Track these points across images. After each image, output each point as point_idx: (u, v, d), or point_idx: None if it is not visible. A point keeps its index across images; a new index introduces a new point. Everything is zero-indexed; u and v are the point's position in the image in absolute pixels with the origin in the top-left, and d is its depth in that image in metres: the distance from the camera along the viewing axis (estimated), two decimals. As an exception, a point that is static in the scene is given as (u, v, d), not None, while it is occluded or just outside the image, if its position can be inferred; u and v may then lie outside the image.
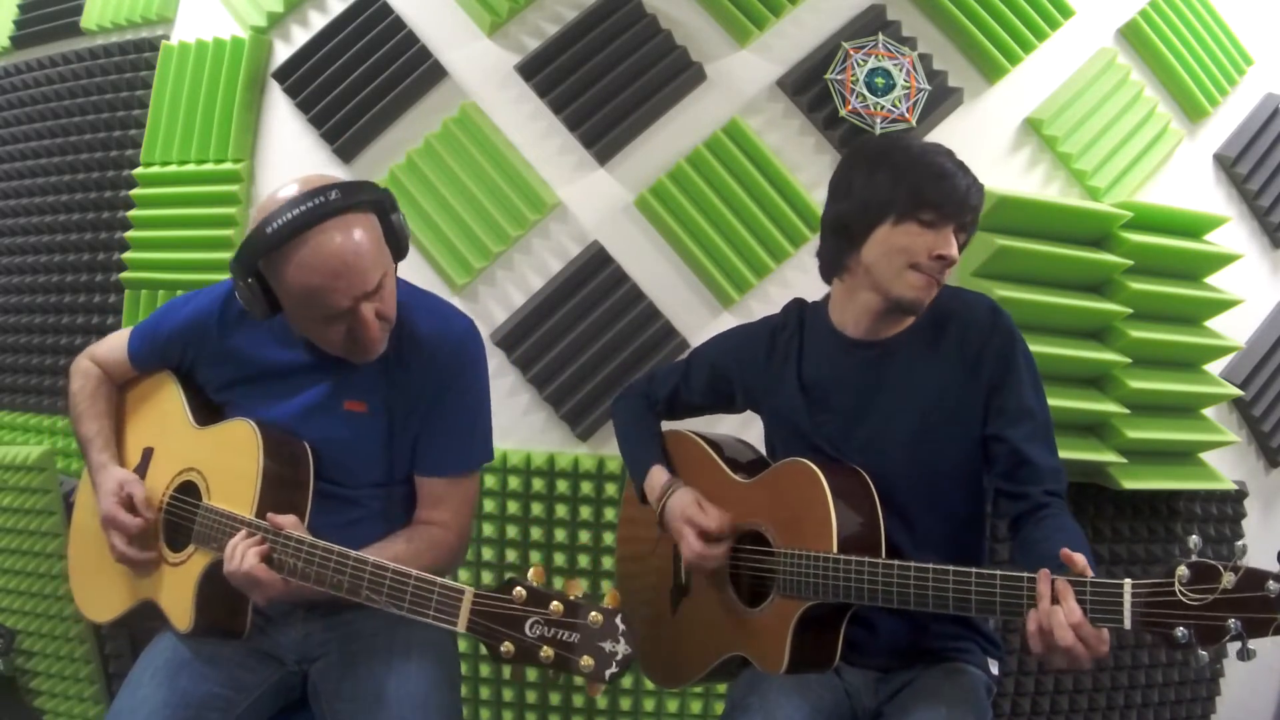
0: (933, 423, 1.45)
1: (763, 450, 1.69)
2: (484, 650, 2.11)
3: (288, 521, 1.33)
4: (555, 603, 1.13)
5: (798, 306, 1.64)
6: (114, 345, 1.65)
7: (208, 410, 1.57)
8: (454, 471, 1.56)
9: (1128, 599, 1.09)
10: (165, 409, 1.59)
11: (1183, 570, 1.05)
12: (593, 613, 1.12)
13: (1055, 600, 1.14)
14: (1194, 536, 1.08)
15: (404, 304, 1.52)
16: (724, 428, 1.82)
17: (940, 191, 1.39)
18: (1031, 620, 1.15)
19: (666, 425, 1.74)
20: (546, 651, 1.12)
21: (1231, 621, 1.02)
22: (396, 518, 1.55)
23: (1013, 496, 1.42)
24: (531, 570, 1.16)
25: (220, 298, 1.54)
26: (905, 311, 1.47)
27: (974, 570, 1.22)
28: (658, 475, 1.62)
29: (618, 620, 1.11)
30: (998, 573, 1.20)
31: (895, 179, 1.41)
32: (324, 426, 1.49)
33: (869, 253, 1.43)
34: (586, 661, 1.11)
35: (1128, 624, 1.09)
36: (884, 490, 1.42)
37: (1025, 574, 1.18)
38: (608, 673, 1.11)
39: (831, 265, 1.52)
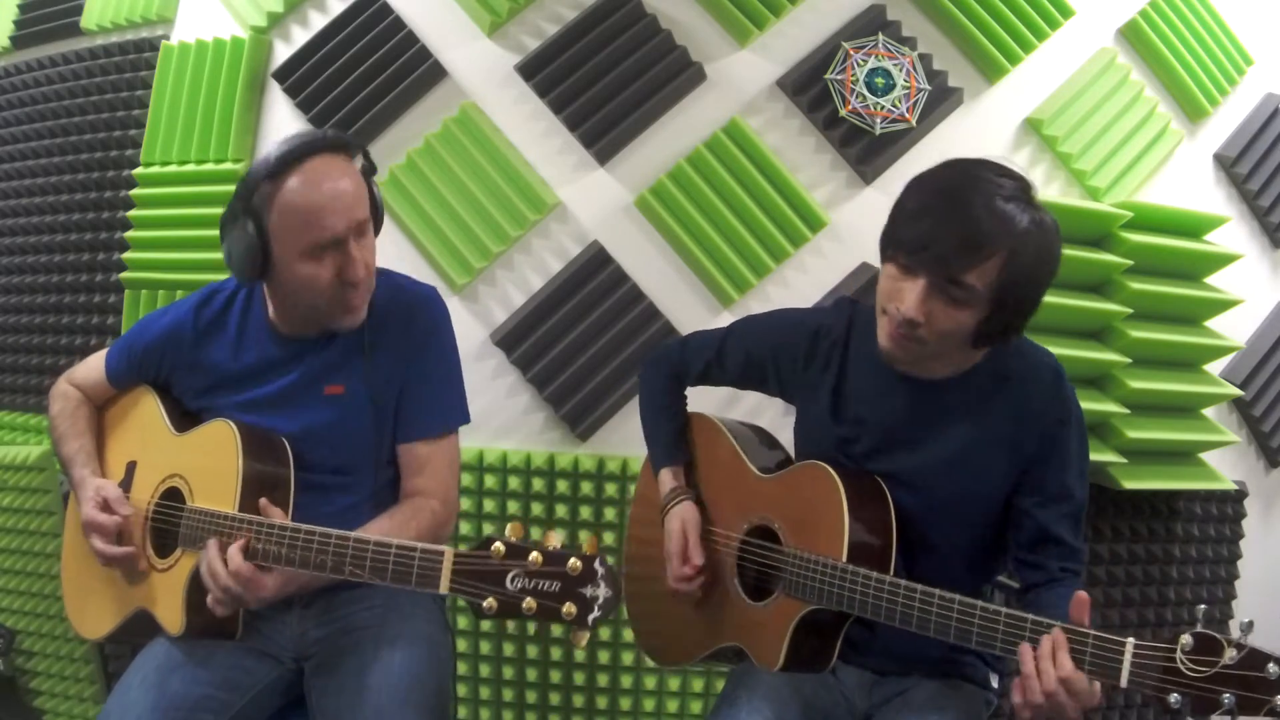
0: (968, 476, 1.39)
1: (786, 440, 1.68)
2: (484, 626, 2.14)
3: (275, 513, 1.35)
4: (534, 554, 1.14)
5: (849, 310, 1.52)
6: (91, 367, 1.69)
7: (186, 417, 1.59)
8: (433, 432, 1.58)
9: (1128, 658, 1.08)
10: (145, 421, 1.62)
11: (1186, 639, 1.05)
12: (571, 559, 1.13)
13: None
14: (1203, 606, 1.07)
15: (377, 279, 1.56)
16: (742, 407, 1.79)
17: (911, 234, 1.25)
18: (1026, 662, 1.14)
19: (693, 404, 1.73)
20: (529, 603, 1.13)
21: (1226, 697, 1.02)
22: (388, 501, 1.56)
23: (1030, 565, 1.39)
24: (509, 526, 1.17)
25: (193, 307, 1.59)
26: (886, 361, 1.37)
27: (979, 604, 1.21)
28: (667, 479, 1.62)
29: (596, 564, 1.13)
30: (1002, 610, 1.19)
31: (898, 202, 1.33)
32: (306, 414, 1.52)
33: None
34: (569, 609, 1.12)
35: (1124, 682, 1.09)
36: (907, 519, 1.39)
37: (1030, 616, 1.16)
38: (590, 617, 1.12)
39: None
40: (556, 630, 1.20)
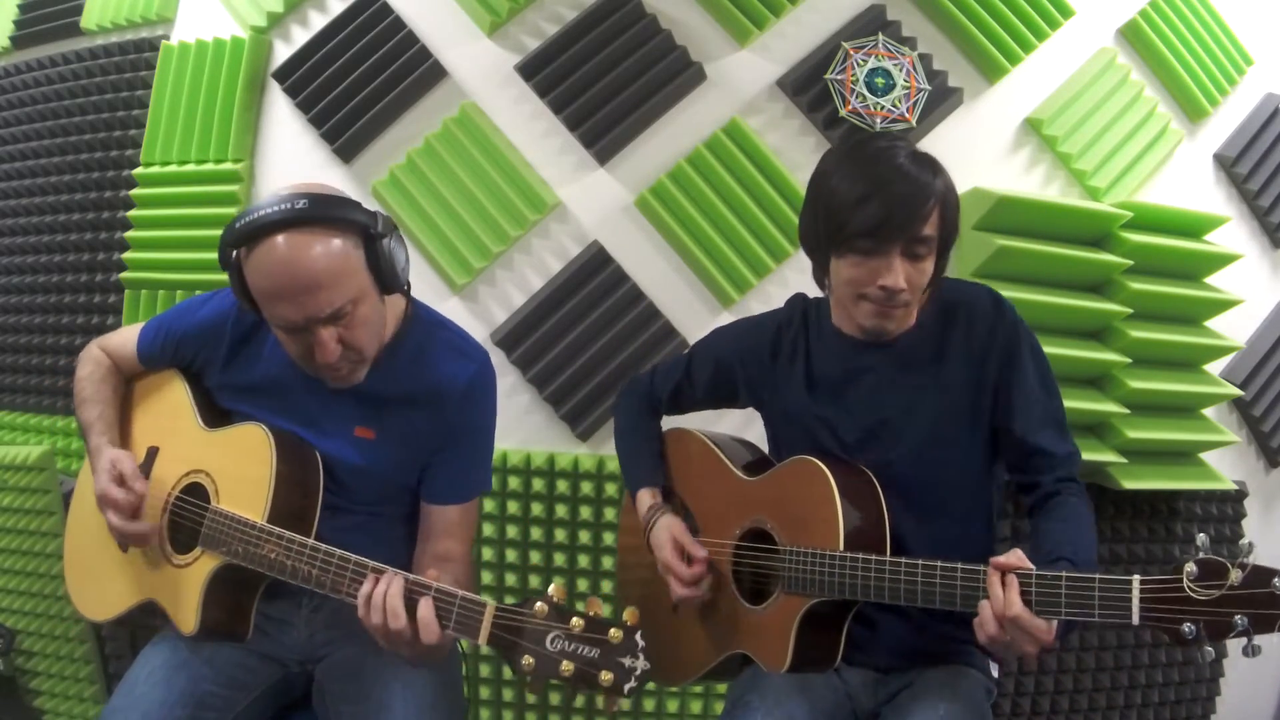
0: (944, 422, 1.44)
1: (764, 449, 1.69)
2: (489, 653, 2.14)
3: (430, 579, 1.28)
4: (576, 619, 1.15)
5: (801, 302, 1.61)
6: (125, 338, 1.64)
7: (216, 413, 1.55)
8: (466, 499, 1.56)
9: (1136, 595, 1.10)
10: (173, 409, 1.57)
11: (1190, 567, 1.07)
12: (613, 629, 1.14)
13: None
14: (1201, 534, 1.09)
15: (424, 336, 1.52)
16: (725, 425, 1.82)
17: (866, 219, 1.31)
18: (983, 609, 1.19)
19: (670, 422, 1.74)
20: (566, 666, 1.14)
21: (1238, 617, 1.04)
22: (387, 527, 1.56)
23: (1025, 487, 1.43)
24: (552, 586, 1.18)
25: (237, 305, 1.50)
26: (874, 338, 1.45)
27: (981, 569, 1.22)
28: (644, 500, 1.62)
29: (637, 637, 1.13)
30: (998, 570, 1.20)
31: (820, 215, 1.38)
32: (332, 448, 1.48)
33: (833, 280, 1.43)
34: (606, 677, 1.13)
35: (1136, 619, 1.10)
36: (895, 488, 1.42)
37: (1035, 571, 1.18)
38: (627, 687, 1.13)
39: (817, 280, 1.51)
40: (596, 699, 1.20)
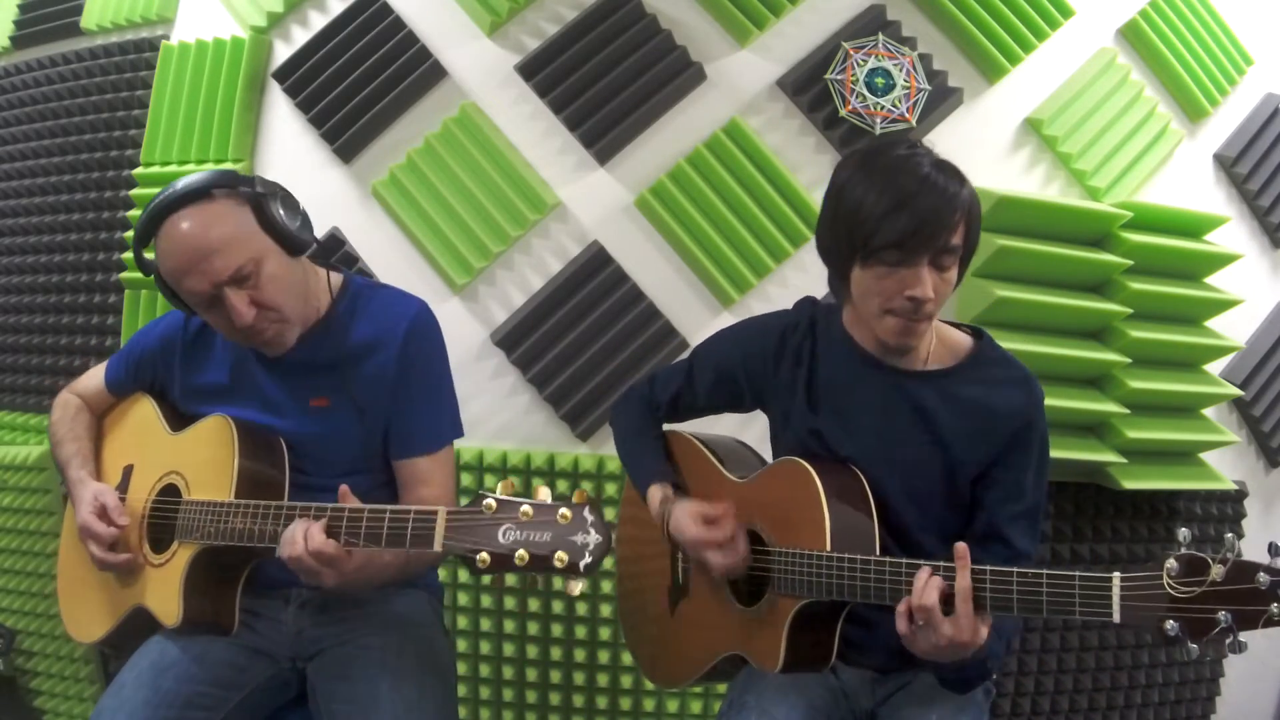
0: (933, 474, 1.42)
1: (761, 449, 1.68)
2: (484, 626, 2.13)
3: (349, 499, 1.32)
4: (525, 507, 1.16)
5: (810, 306, 1.57)
6: (92, 376, 1.74)
7: (182, 419, 1.61)
8: (433, 448, 1.59)
9: (1116, 592, 1.09)
10: (142, 425, 1.65)
11: (1171, 563, 1.05)
12: (561, 509, 1.15)
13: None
14: (1183, 529, 1.08)
15: (359, 299, 1.58)
16: (721, 427, 1.82)
17: (895, 230, 1.28)
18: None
19: (665, 426, 1.74)
20: (521, 554, 1.15)
21: (1222, 614, 1.01)
22: (363, 499, 1.56)
23: (971, 536, 1.40)
24: (500, 484, 1.19)
25: (184, 315, 1.61)
26: (898, 352, 1.42)
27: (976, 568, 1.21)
28: (653, 498, 1.57)
29: (585, 512, 1.15)
30: (988, 568, 1.21)
31: (844, 226, 1.34)
32: (293, 425, 1.53)
33: (854, 290, 1.39)
34: (560, 557, 1.14)
35: (1117, 617, 1.09)
36: (884, 502, 1.41)
37: (1031, 571, 1.18)
38: (582, 563, 1.14)
39: (834, 290, 1.47)
40: (557, 584, 1.21)
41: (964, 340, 1.48)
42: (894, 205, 1.29)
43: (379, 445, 1.57)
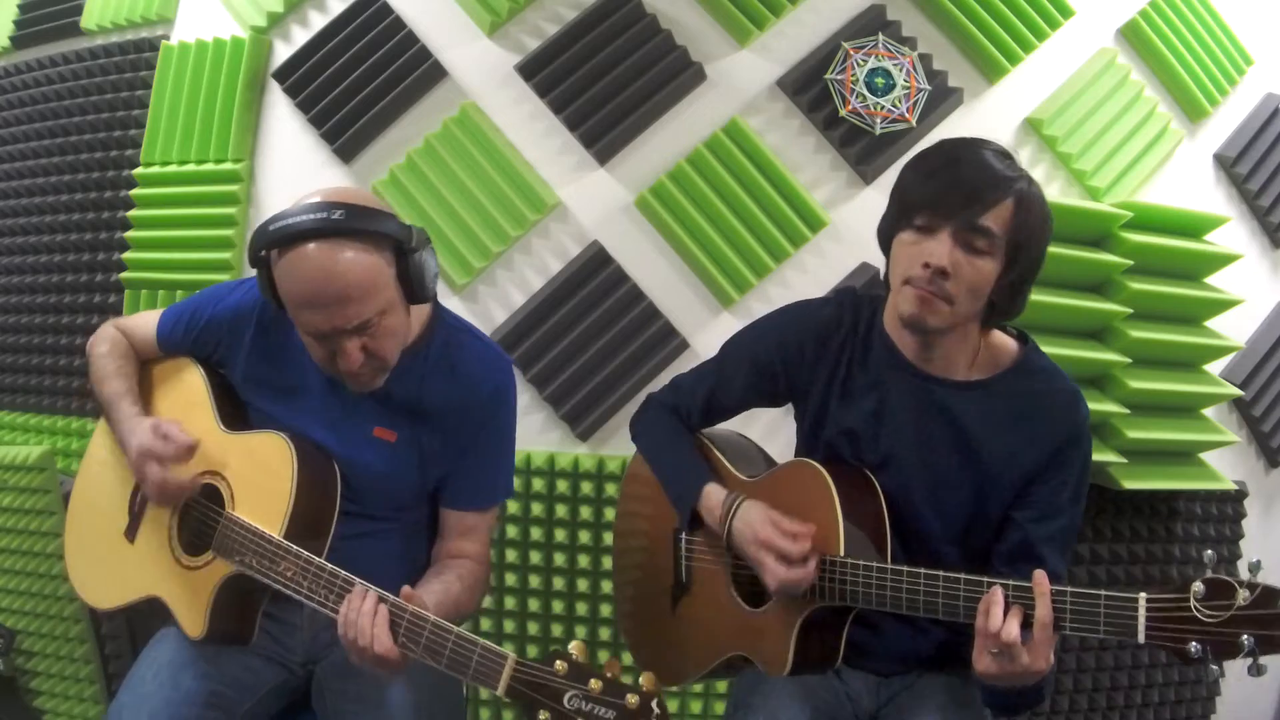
0: (967, 477, 1.40)
1: (763, 446, 1.67)
2: (484, 625, 2.14)
3: (416, 599, 1.28)
4: (595, 680, 1.15)
5: (852, 299, 1.51)
6: (143, 321, 1.63)
7: (235, 412, 1.53)
8: (486, 505, 1.57)
9: (1142, 613, 1.09)
10: (189, 403, 1.55)
11: (1198, 586, 1.06)
12: (630, 694, 1.14)
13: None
14: (1209, 551, 1.08)
15: (449, 342, 1.51)
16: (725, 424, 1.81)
17: (927, 191, 1.28)
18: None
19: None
20: None
21: (1245, 638, 1.02)
22: (410, 535, 1.56)
23: (1000, 555, 1.39)
24: (573, 644, 1.19)
25: (260, 299, 1.49)
26: (911, 330, 1.38)
27: (985, 580, 1.21)
28: (714, 494, 1.49)
29: (653, 704, 1.14)
30: (990, 581, 1.20)
31: (896, 194, 1.36)
32: (351, 450, 1.47)
33: (890, 268, 1.38)
34: None
35: (1141, 638, 1.09)
36: (910, 510, 1.40)
37: (1014, 583, 1.18)
38: None
39: (886, 282, 1.43)
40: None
41: (1009, 346, 1.45)
42: (933, 170, 1.31)
43: (430, 489, 1.54)
